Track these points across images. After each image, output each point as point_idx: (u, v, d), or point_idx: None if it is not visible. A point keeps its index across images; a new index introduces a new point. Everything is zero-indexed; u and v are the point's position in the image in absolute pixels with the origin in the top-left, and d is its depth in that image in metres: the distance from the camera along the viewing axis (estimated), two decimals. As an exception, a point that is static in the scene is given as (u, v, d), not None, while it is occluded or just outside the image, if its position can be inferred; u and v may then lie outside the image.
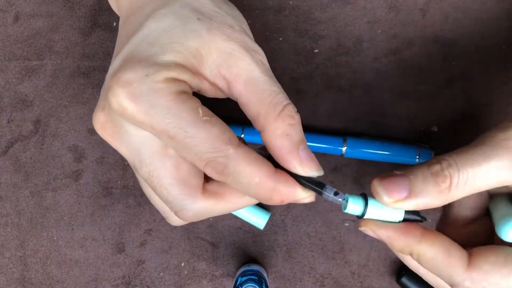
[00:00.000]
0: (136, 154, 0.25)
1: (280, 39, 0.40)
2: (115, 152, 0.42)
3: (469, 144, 0.26)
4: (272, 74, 0.26)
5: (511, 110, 0.39)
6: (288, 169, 0.25)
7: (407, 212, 0.26)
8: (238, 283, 0.38)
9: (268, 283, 0.39)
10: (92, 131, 0.42)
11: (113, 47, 0.41)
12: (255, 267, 0.40)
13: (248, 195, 0.25)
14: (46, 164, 0.43)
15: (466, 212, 0.29)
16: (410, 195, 0.25)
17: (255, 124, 0.26)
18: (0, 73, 0.42)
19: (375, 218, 0.26)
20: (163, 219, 0.42)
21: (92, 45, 0.42)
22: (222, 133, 0.24)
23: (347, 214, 0.42)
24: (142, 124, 0.23)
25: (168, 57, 0.24)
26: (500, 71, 0.40)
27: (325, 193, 0.26)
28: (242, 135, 0.40)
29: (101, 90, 0.26)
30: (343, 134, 0.41)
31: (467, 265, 0.25)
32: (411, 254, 0.26)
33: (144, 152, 0.24)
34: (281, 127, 0.25)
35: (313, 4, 0.40)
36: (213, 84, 0.26)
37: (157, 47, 0.24)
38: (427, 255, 0.25)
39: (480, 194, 0.29)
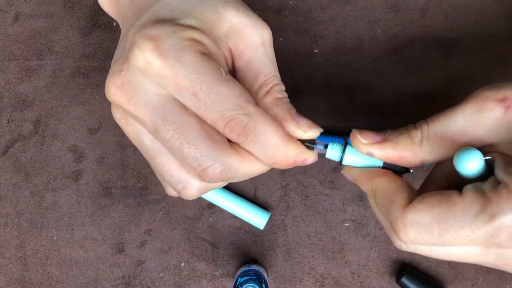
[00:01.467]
0: (158, 114, 0.25)
1: (280, 39, 0.40)
2: (115, 152, 0.42)
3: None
4: (272, 55, 0.28)
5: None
6: (290, 134, 0.27)
7: (385, 163, 0.28)
8: (238, 283, 0.38)
9: (268, 283, 0.39)
10: (92, 131, 0.42)
11: (114, 47, 0.41)
12: (255, 267, 0.40)
13: (265, 156, 0.26)
14: (46, 164, 0.43)
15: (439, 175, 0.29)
16: (384, 141, 0.27)
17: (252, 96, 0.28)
18: (0, 73, 0.42)
19: (354, 164, 0.28)
20: (163, 219, 0.42)
21: (92, 45, 0.42)
22: (244, 92, 0.25)
23: (347, 214, 0.42)
24: (167, 81, 0.24)
25: (190, 21, 0.25)
26: (500, 71, 0.40)
27: (317, 147, 0.28)
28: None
29: (117, 53, 0.27)
30: (343, 134, 0.41)
31: (405, 204, 0.25)
32: (372, 192, 0.27)
33: (167, 111, 0.25)
34: (271, 100, 0.27)
35: (313, 4, 0.40)
36: (218, 49, 0.27)
37: (179, 13, 0.25)
38: (378, 190, 0.27)
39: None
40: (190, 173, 0.26)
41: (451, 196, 0.24)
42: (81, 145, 0.42)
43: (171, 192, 0.29)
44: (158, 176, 0.29)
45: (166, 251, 0.42)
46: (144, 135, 0.27)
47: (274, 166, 0.27)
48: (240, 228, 0.42)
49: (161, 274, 0.43)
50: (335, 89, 0.41)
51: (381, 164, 0.28)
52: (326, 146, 0.28)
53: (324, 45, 0.40)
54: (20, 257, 0.43)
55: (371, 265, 0.42)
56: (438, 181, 0.29)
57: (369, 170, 0.28)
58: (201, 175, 0.25)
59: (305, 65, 0.40)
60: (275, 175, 0.42)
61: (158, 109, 0.25)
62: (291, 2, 0.40)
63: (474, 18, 0.40)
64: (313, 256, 0.42)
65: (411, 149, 0.26)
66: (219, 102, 0.24)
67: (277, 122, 0.26)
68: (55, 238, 0.43)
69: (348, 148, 0.28)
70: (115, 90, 0.25)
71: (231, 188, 0.42)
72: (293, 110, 0.27)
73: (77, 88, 0.42)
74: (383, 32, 0.40)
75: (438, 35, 0.40)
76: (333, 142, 0.28)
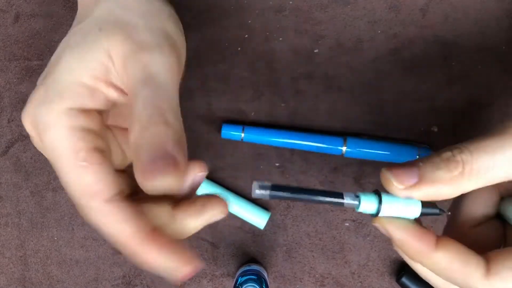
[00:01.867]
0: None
1: (280, 39, 0.40)
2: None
3: (482, 134, 0.24)
4: (156, 77, 0.24)
5: None
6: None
7: (424, 206, 0.25)
8: (238, 283, 0.39)
9: (268, 283, 0.39)
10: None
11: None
12: (255, 267, 0.40)
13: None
14: (47, 164, 0.43)
15: (475, 213, 0.28)
16: (421, 181, 0.24)
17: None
18: (0, 73, 0.42)
19: (390, 215, 0.25)
20: (163, 219, 0.42)
21: (92, 45, 0.42)
22: (94, 183, 0.23)
23: (347, 214, 0.42)
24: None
25: (67, 78, 0.24)
26: (500, 71, 0.40)
27: (346, 201, 0.24)
28: (242, 135, 0.40)
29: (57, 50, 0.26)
30: (343, 134, 0.41)
31: (485, 273, 0.24)
32: (422, 263, 0.25)
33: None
34: (146, 137, 0.23)
35: (313, 4, 0.40)
36: (120, 91, 0.25)
37: (61, 67, 0.24)
38: (442, 264, 0.24)
39: (490, 194, 0.28)
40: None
41: None
42: (81, 145, 0.42)
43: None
44: None
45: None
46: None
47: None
48: (240, 228, 0.42)
49: (161, 274, 0.43)
50: (335, 89, 0.41)
51: (418, 214, 0.25)
52: (356, 196, 0.24)
53: (324, 45, 0.40)
54: (21, 256, 0.43)
55: (371, 265, 0.42)
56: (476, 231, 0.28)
57: (418, 234, 0.24)
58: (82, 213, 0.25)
59: (305, 65, 0.40)
60: (276, 175, 0.42)
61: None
62: (291, 2, 0.40)
63: (474, 18, 0.40)
64: (313, 256, 0.42)
65: (451, 184, 0.24)
66: (66, 187, 0.23)
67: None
68: (55, 238, 0.43)
69: (384, 198, 0.24)
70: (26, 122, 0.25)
71: (231, 188, 0.42)
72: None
73: (78, 88, 0.42)
74: (383, 32, 0.40)
75: (438, 35, 0.40)
76: (364, 193, 0.25)
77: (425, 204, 0.25)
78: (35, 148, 0.43)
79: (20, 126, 0.43)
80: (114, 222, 0.23)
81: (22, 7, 0.42)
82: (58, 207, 0.43)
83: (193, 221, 0.25)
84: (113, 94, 0.25)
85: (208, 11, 0.40)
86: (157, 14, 0.27)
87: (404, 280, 0.40)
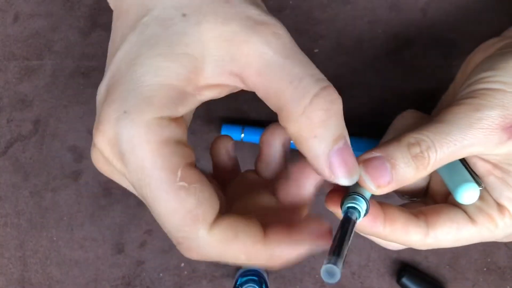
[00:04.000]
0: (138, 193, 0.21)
1: (280, 39, 0.40)
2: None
3: (445, 118, 0.26)
4: (294, 49, 0.21)
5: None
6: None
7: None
8: (238, 283, 0.38)
9: (268, 283, 0.39)
10: (92, 131, 0.42)
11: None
12: (255, 267, 0.40)
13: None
14: (46, 164, 0.42)
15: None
16: (392, 181, 0.25)
17: (279, 120, 0.21)
18: (-1, 73, 0.42)
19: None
20: (163, 219, 0.42)
21: (91, 45, 0.42)
22: (195, 207, 0.19)
23: (347, 214, 0.42)
24: (119, 171, 0.20)
25: (153, 81, 0.19)
26: (500, 71, 0.40)
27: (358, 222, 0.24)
28: (242, 135, 0.40)
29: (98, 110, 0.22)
30: (343, 134, 0.41)
31: (424, 237, 0.27)
32: (376, 237, 0.28)
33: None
34: (306, 127, 0.20)
35: (313, 4, 0.40)
36: (217, 86, 0.21)
37: (142, 69, 0.19)
38: (391, 237, 0.27)
39: None
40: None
41: (467, 226, 0.27)
42: (81, 145, 0.42)
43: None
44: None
45: (166, 251, 0.42)
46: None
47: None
48: (240, 228, 0.42)
49: (161, 274, 0.43)
50: (335, 89, 0.41)
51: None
52: (350, 211, 0.24)
53: (324, 45, 0.40)
54: (20, 257, 0.43)
55: (372, 265, 0.42)
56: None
57: (371, 220, 0.26)
58: (178, 247, 0.21)
59: (305, 65, 0.40)
60: (275, 175, 0.42)
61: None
62: (291, 2, 0.40)
63: (474, 18, 0.40)
64: (313, 256, 0.42)
65: (415, 177, 0.25)
66: (161, 216, 0.19)
67: (306, 156, 0.21)
68: (54, 238, 0.43)
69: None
70: (95, 162, 0.22)
71: (231, 188, 0.42)
72: (336, 146, 0.20)
73: (77, 88, 0.42)
74: (383, 32, 0.40)
75: (438, 35, 0.40)
76: (357, 206, 0.24)
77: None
78: (34, 148, 0.43)
79: (19, 126, 0.42)
80: (232, 242, 0.20)
81: (21, 6, 0.42)
82: (57, 208, 0.43)
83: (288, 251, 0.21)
84: (206, 94, 0.21)
85: (208, 11, 0.40)
86: None
87: (405, 280, 0.40)
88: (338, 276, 0.20)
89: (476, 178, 0.28)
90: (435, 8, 0.40)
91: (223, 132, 0.40)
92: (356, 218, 0.23)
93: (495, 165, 0.27)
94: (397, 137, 0.26)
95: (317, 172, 0.21)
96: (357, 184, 0.25)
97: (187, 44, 0.20)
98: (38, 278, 0.43)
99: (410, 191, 0.32)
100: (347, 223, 0.23)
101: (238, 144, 0.41)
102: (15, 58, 0.42)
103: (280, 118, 0.20)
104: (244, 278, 0.38)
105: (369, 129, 0.41)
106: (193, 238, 0.19)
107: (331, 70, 0.40)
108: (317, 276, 0.42)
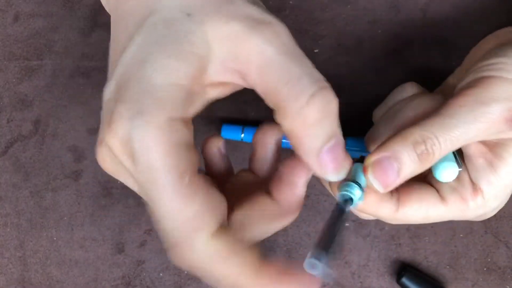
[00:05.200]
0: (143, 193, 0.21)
1: (280, 39, 0.40)
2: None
3: (449, 111, 0.26)
4: (293, 48, 0.21)
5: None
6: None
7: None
8: (238, 283, 0.38)
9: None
10: (92, 131, 0.42)
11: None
12: None
13: None
14: (46, 164, 0.43)
15: None
16: (398, 179, 0.26)
17: (276, 117, 0.21)
18: (-1, 73, 0.42)
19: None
20: (163, 219, 0.42)
21: (92, 45, 0.42)
22: (198, 215, 0.19)
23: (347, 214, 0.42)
24: (129, 171, 0.20)
25: (164, 81, 0.19)
26: (500, 71, 0.40)
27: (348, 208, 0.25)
28: (242, 135, 0.40)
29: (101, 117, 0.22)
30: (343, 134, 0.41)
31: (394, 211, 0.28)
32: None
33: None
34: (301, 125, 0.20)
35: (313, 4, 0.40)
36: (221, 85, 0.22)
37: (151, 69, 0.19)
38: (361, 207, 0.28)
39: None
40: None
41: (436, 205, 0.29)
42: (81, 145, 0.42)
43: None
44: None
45: (166, 251, 0.42)
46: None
47: None
48: (240, 228, 0.42)
49: (161, 274, 0.43)
50: (335, 89, 0.41)
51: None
52: (346, 201, 0.24)
53: (324, 45, 0.40)
54: (20, 257, 0.43)
55: (371, 265, 0.42)
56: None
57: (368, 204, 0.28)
58: (173, 251, 0.22)
59: (305, 65, 0.40)
60: (275, 175, 0.42)
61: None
62: (291, 2, 0.40)
63: (474, 18, 0.40)
64: (313, 256, 0.42)
65: (419, 171, 0.26)
66: (164, 217, 0.19)
67: (297, 152, 0.21)
68: (55, 238, 0.43)
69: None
70: (100, 160, 0.21)
71: (231, 188, 0.42)
72: (327, 145, 0.21)
73: (77, 88, 0.42)
74: (383, 32, 0.40)
75: (438, 35, 0.40)
76: (350, 193, 0.25)
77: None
78: (34, 148, 0.43)
79: (20, 126, 0.42)
80: (226, 261, 0.19)
81: (21, 6, 0.42)
82: (58, 208, 0.43)
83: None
84: (211, 93, 0.21)
85: (208, 11, 0.40)
86: None
87: (404, 280, 0.40)
88: (320, 269, 0.20)
89: (458, 159, 0.28)
90: (435, 8, 0.40)
91: (223, 132, 0.40)
92: (348, 208, 0.24)
93: (488, 148, 0.27)
94: (402, 133, 0.26)
95: (308, 167, 0.22)
96: (357, 171, 0.26)
97: (193, 43, 0.20)
98: (38, 278, 0.43)
99: None
100: (338, 214, 0.23)
101: (238, 144, 0.41)
102: (15, 58, 0.42)
103: (277, 115, 0.21)
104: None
105: (369, 129, 0.41)
106: (190, 244, 0.19)
107: (331, 70, 0.40)
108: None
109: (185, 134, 0.20)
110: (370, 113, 0.41)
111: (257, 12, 0.21)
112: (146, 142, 0.19)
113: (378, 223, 0.41)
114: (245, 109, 0.41)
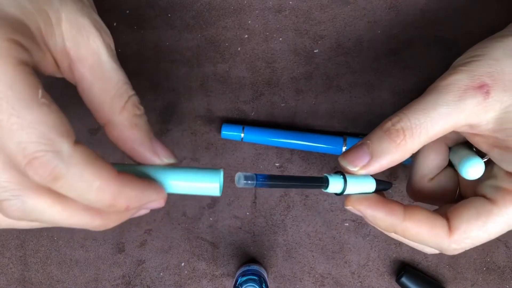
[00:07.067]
0: None
1: (280, 39, 0.40)
2: (115, 152, 0.42)
3: (419, 99, 0.27)
4: (118, 61, 0.24)
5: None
6: (141, 161, 0.24)
7: (377, 182, 0.28)
8: (238, 283, 0.39)
9: (268, 283, 0.39)
10: (92, 131, 0.42)
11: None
12: (255, 267, 0.40)
13: (86, 202, 0.21)
14: (46, 164, 0.43)
15: (429, 167, 0.32)
16: (372, 158, 0.26)
17: (98, 114, 0.24)
18: None
19: (352, 192, 0.27)
20: (163, 218, 0.42)
21: (92, 45, 0.42)
22: (59, 124, 0.20)
23: (347, 214, 0.42)
24: None
25: (15, 10, 0.20)
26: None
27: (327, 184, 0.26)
28: (242, 135, 0.40)
29: None
30: (343, 134, 0.41)
31: (448, 231, 0.27)
32: (395, 232, 0.28)
33: None
34: (129, 118, 0.23)
35: (313, 4, 0.40)
36: (54, 59, 0.23)
37: None
38: (412, 231, 0.27)
39: (438, 147, 0.31)
40: None
41: (486, 207, 0.27)
42: (81, 145, 0.42)
43: None
44: None
45: (166, 251, 0.42)
46: None
47: (104, 209, 0.22)
48: (240, 228, 0.42)
49: (161, 274, 0.43)
50: (335, 89, 0.41)
51: (373, 189, 0.28)
52: (323, 179, 0.26)
53: (324, 45, 0.40)
54: (21, 256, 0.43)
55: (371, 265, 0.42)
56: (437, 188, 0.32)
57: (387, 209, 0.27)
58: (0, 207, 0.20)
59: (305, 65, 0.40)
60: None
61: None
62: (291, 2, 0.40)
63: (474, 18, 0.40)
64: (313, 256, 0.42)
65: (398, 151, 0.26)
66: (20, 129, 0.18)
67: (131, 145, 0.23)
68: (55, 238, 0.43)
69: (347, 177, 0.27)
70: None
71: (231, 189, 0.42)
72: (151, 135, 0.24)
73: (77, 88, 0.42)
74: (383, 32, 0.40)
75: (438, 35, 0.40)
76: (329, 174, 0.27)
77: (376, 180, 0.28)
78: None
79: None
80: (92, 164, 0.20)
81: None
82: (58, 207, 0.43)
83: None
84: (38, 53, 0.21)
85: (208, 11, 0.40)
86: None
87: (404, 280, 0.41)
88: (241, 184, 0.23)
89: (478, 152, 0.28)
90: (435, 8, 0.40)
91: (223, 132, 0.40)
92: (325, 186, 0.26)
93: (494, 137, 0.27)
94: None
95: (143, 159, 0.24)
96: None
97: (48, 3, 0.21)
98: (39, 278, 0.43)
99: (439, 196, 0.32)
100: (312, 179, 0.26)
101: (238, 144, 0.41)
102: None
103: (100, 112, 0.24)
104: (244, 278, 0.38)
105: (369, 129, 0.41)
106: (56, 151, 0.19)
107: (331, 70, 0.41)
108: (317, 275, 0.42)
109: (29, 56, 0.20)
110: (370, 113, 0.41)
111: (100, 20, 0.24)
112: None
113: (378, 223, 0.42)
114: (245, 109, 0.41)
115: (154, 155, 0.24)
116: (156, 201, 0.23)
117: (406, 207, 0.28)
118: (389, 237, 0.42)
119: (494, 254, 0.42)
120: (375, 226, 0.28)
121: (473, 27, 0.40)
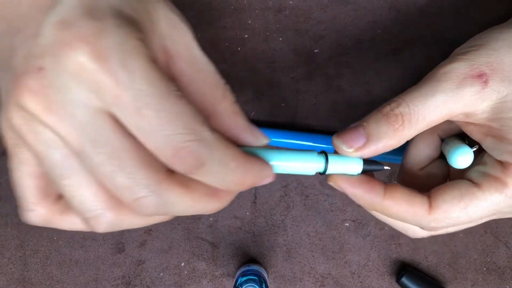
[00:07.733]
0: (88, 132, 0.19)
1: (280, 39, 0.40)
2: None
3: (419, 85, 0.27)
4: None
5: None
6: (244, 145, 0.25)
7: (365, 162, 0.28)
8: (238, 283, 0.39)
9: (268, 283, 0.39)
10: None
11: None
12: (255, 267, 0.40)
13: (218, 184, 0.21)
14: (46, 164, 0.43)
15: (421, 157, 0.32)
16: (368, 141, 0.26)
17: (201, 107, 0.23)
18: (0, 73, 0.42)
19: (337, 172, 0.27)
20: (163, 219, 0.42)
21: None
22: (197, 113, 0.20)
23: (347, 214, 0.42)
24: (105, 90, 0.19)
25: (132, 13, 0.20)
26: (500, 71, 0.40)
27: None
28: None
29: (30, 43, 0.20)
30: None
31: (428, 208, 0.27)
32: (375, 210, 0.28)
33: (99, 130, 0.19)
34: (230, 106, 0.24)
35: (313, 4, 0.40)
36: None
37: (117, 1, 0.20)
38: (392, 209, 0.27)
39: (430, 138, 0.32)
40: (114, 202, 0.21)
41: (470, 189, 0.27)
42: (81, 145, 0.42)
43: (34, 218, 0.24)
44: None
45: (166, 251, 0.42)
46: (55, 148, 0.20)
47: (232, 190, 0.23)
48: (240, 228, 0.42)
49: (161, 274, 0.43)
50: (335, 89, 0.41)
51: (360, 170, 0.28)
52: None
53: (324, 45, 0.40)
54: (20, 257, 0.43)
55: (371, 265, 0.42)
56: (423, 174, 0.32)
57: (367, 187, 0.27)
58: (133, 206, 0.21)
59: (305, 65, 0.40)
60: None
61: (87, 126, 0.19)
62: (291, 2, 0.40)
63: (474, 17, 0.40)
64: (313, 256, 0.42)
65: (395, 136, 0.26)
66: (169, 123, 0.19)
67: (235, 132, 0.24)
68: (55, 238, 0.43)
69: (330, 157, 0.27)
70: (30, 93, 0.19)
71: (231, 188, 0.42)
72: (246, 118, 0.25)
73: (77, 88, 0.42)
74: (383, 32, 0.40)
75: (438, 35, 0.40)
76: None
77: (366, 160, 0.28)
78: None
79: (20, 126, 0.43)
80: (229, 146, 0.21)
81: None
82: (58, 207, 0.43)
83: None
84: (156, 51, 0.22)
85: (208, 11, 0.40)
86: None
87: (404, 280, 0.40)
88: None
89: (470, 143, 0.28)
90: (434, 8, 0.40)
91: (223, 132, 0.40)
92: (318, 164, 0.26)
93: (488, 126, 0.27)
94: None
95: (245, 143, 0.24)
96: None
97: (148, 2, 0.22)
98: (39, 278, 0.43)
99: (430, 185, 0.31)
100: (311, 152, 0.26)
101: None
102: (15, 58, 0.42)
103: (203, 105, 0.23)
104: (244, 278, 0.38)
105: (369, 129, 0.41)
106: (200, 139, 0.20)
107: (331, 70, 0.41)
108: (317, 275, 0.42)
109: (153, 54, 0.21)
110: (369, 113, 0.41)
111: (182, 17, 0.24)
112: (131, 53, 0.19)
113: (378, 223, 0.42)
114: (245, 109, 0.41)
115: (254, 138, 0.24)
116: (270, 177, 0.24)
117: (387, 185, 0.28)
118: (389, 237, 0.42)
119: (494, 254, 0.42)
120: (356, 202, 0.28)
121: (473, 27, 0.40)
